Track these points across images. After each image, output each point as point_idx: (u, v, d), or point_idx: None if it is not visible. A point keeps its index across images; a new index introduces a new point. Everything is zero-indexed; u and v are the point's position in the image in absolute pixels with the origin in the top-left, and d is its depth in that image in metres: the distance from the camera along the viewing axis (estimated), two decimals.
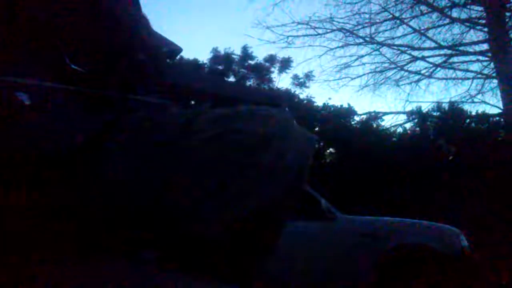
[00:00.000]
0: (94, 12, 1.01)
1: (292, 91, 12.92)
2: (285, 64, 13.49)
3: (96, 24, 1.01)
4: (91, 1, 1.03)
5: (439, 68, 14.05)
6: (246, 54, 13.36)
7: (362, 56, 14.12)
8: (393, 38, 14.02)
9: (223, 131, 0.95)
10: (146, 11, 1.15)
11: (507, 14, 12.97)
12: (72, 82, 0.96)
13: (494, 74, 13.20)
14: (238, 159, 0.92)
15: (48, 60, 0.96)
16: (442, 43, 13.82)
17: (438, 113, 12.14)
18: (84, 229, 0.91)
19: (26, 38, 0.95)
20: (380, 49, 14.07)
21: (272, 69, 13.49)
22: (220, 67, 13.06)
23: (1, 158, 0.87)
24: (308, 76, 13.48)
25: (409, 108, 13.42)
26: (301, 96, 12.76)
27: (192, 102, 1.33)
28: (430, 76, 14.03)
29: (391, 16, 13.62)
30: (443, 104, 12.37)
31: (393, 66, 14.08)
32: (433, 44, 13.91)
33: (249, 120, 0.98)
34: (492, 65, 13.27)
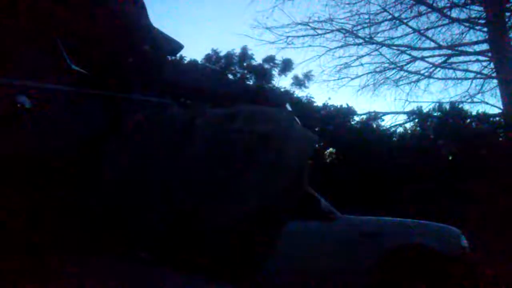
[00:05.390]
0: (96, 12, 1.00)
1: (292, 91, 12.91)
2: (286, 65, 13.47)
3: (98, 24, 1.00)
4: (93, 1, 1.03)
5: (438, 68, 14.06)
6: (245, 55, 13.34)
7: (362, 56, 14.14)
8: (392, 38, 14.03)
9: (224, 131, 0.95)
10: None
11: (507, 14, 12.95)
12: (73, 83, 0.96)
13: (493, 74, 13.19)
14: (239, 158, 0.92)
15: (49, 61, 0.96)
16: (441, 43, 13.82)
17: (438, 113, 12.13)
18: (85, 229, 0.90)
19: (27, 39, 0.95)
20: (380, 49, 14.08)
21: (273, 72, 13.48)
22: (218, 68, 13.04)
23: (4, 159, 0.87)
24: (308, 76, 13.48)
25: (408, 108, 13.44)
26: (301, 96, 12.75)
27: (193, 101, 1.33)
28: (429, 76, 14.04)
29: (390, 16, 13.63)
30: (444, 104, 12.37)
31: (392, 66, 14.10)
32: (432, 44, 13.91)
33: (249, 120, 0.98)
34: (492, 65, 13.27)
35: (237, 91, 1.35)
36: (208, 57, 13.18)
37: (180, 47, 1.23)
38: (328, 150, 11.45)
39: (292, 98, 11.92)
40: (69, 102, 0.97)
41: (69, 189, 0.91)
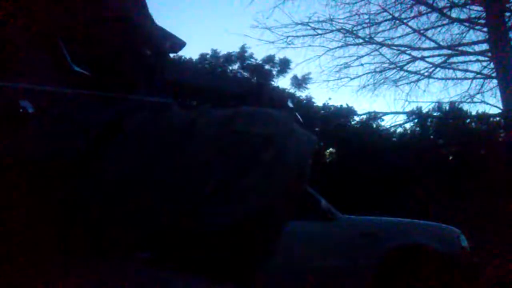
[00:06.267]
0: (96, 9, 1.00)
1: (292, 92, 12.91)
2: (284, 66, 13.47)
3: (98, 21, 1.00)
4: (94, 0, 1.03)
5: (438, 68, 14.06)
6: (244, 55, 13.34)
7: (362, 56, 14.15)
8: (392, 38, 14.04)
9: (224, 132, 0.96)
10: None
11: (507, 14, 12.95)
12: (74, 84, 0.96)
13: (493, 74, 13.19)
14: (239, 159, 0.92)
15: (50, 62, 0.96)
16: (441, 43, 13.83)
17: (438, 113, 12.13)
18: (86, 230, 0.90)
19: (27, 39, 0.95)
20: (380, 49, 14.08)
21: (273, 71, 13.47)
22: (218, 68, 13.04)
23: (7, 163, 0.87)
24: (306, 79, 13.49)
25: (408, 108, 13.46)
26: (301, 97, 12.74)
27: (195, 101, 1.33)
28: (429, 76, 14.05)
29: (390, 16, 13.63)
30: (443, 104, 12.39)
31: (392, 66, 14.10)
32: (432, 44, 13.92)
33: (250, 121, 0.98)
34: (491, 65, 13.27)
35: (239, 89, 1.35)
36: (206, 57, 13.18)
37: (182, 44, 1.23)
38: (328, 150, 11.45)
39: (294, 96, 11.92)
40: (71, 104, 0.96)
41: (70, 189, 0.91)
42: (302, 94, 13.06)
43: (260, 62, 13.40)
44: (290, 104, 1.27)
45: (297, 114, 1.22)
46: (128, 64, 1.05)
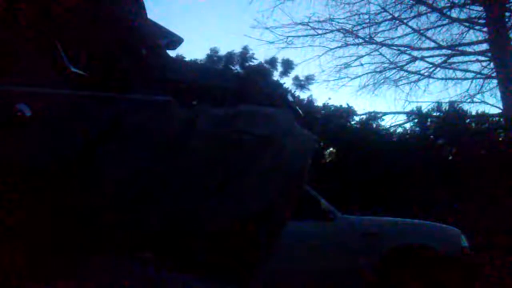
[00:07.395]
0: (92, 11, 1.00)
1: (293, 92, 12.89)
2: (287, 66, 13.45)
3: (95, 22, 1.00)
4: (92, 2, 1.03)
5: (438, 68, 14.06)
6: (246, 56, 13.33)
7: (362, 56, 14.14)
8: (392, 38, 14.02)
9: (225, 131, 0.96)
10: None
11: (507, 14, 12.95)
12: (72, 85, 0.96)
13: (493, 74, 13.19)
14: (239, 159, 0.92)
15: (47, 63, 0.96)
16: (441, 43, 13.83)
17: (438, 113, 12.13)
18: (85, 230, 0.91)
19: (25, 41, 0.95)
20: (380, 49, 14.08)
21: (274, 71, 13.45)
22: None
23: (7, 165, 0.87)
24: (309, 79, 13.48)
25: (408, 108, 13.45)
26: (302, 97, 12.73)
27: (195, 100, 1.33)
28: (429, 76, 14.04)
29: (390, 16, 13.62)
30: (443, 104, 12.39)
31: (392, 66, 14.09)
32: (432, 44, 13.91)
33: (250, 120, 0.98)
34: (491, 65, 13.27)
35: (228, 82, 1.34)
36: (208, 57, 13.17)
37: (179, 40, 1.23)
38: (328, 150, 11.45)
39: (287, 91, 11.91)
40: (68, 105, 0.97)
41: (70, 190, 0.91)
42: (304, 95, 13.05)
43: (262, 62, 13.40)
44: (290, 98, 1.27)
45: (298, 108, 1.22)
46: (125, 62, 1.05)
